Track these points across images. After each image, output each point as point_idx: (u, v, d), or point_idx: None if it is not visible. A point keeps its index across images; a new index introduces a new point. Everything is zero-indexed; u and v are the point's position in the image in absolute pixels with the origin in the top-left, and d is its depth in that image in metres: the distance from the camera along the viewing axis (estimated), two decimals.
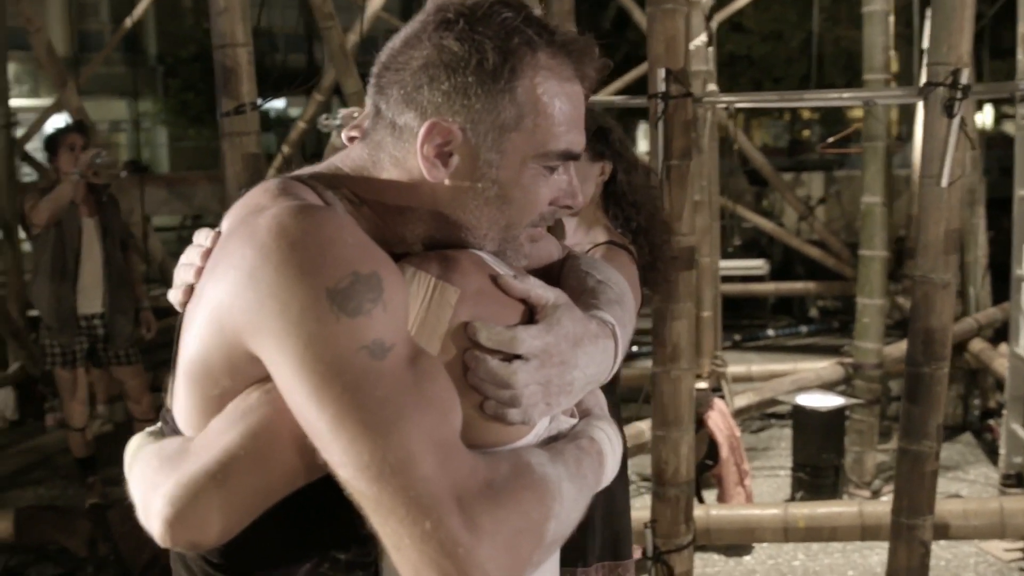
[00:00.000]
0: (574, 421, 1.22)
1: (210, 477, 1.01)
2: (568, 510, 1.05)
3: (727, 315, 9.69)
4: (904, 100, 3.29)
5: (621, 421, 2.59)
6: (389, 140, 1.13)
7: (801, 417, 4.87)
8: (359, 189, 1.15)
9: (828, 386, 5.33)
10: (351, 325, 0.95)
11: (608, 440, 1.20)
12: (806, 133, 22.61)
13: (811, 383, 5.34)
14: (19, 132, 7.13)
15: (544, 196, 1.17)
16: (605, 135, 2.45)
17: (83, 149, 4.65)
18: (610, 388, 2.48)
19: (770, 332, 9.20)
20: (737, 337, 8.89)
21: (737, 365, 6.70)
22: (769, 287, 9.52)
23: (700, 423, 4.63)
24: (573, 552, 2.45)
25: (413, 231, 1.15)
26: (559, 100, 1.13)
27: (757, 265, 9.47)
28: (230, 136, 3.39)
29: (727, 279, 9.39)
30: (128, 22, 7.33)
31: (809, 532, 3.78)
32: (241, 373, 1.02)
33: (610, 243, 2.44)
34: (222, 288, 1.00)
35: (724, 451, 4.51)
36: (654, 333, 3.32)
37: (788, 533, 3.80)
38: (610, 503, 2.50)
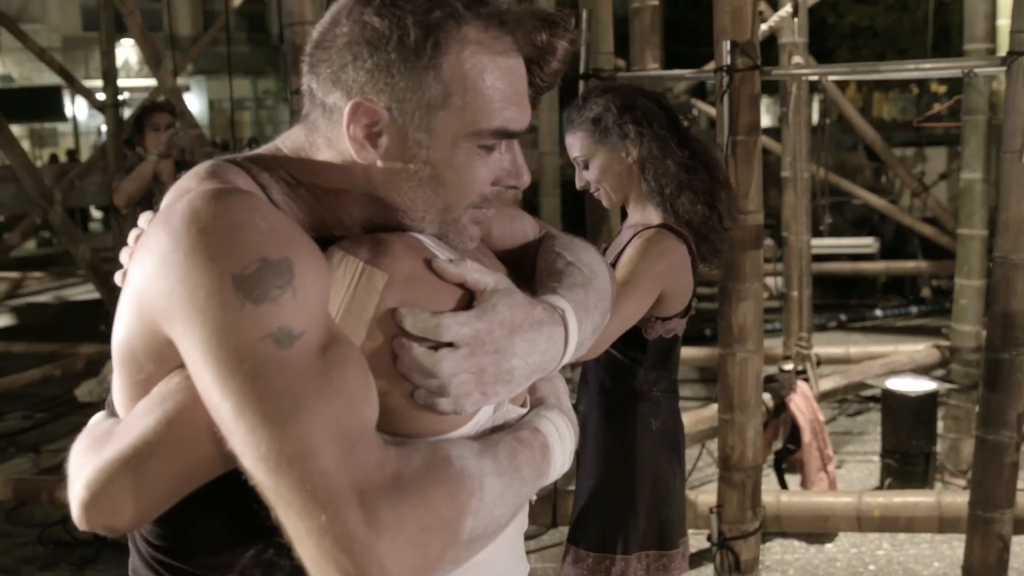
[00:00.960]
0: (523, 411, 1.18)
1: (124, 462, 1.01)
2: (491, 506, 1.00)
3: (834, 294, 9.47)
4: (988, 70, 3.11)
5: (677, 402, 2.53)
6: (322, 121, 1.10)
7: (891, 402, 4.68)
8: (296, 171, 1.13)
9: (923, 370, 5.11)
10: (256, 312, 0.93)
11: (556, 432, 1.16)
12: (937, 106, 21.79)
13: (904, 366, 5.12)
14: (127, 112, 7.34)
15: (482, 176, 1.12)
16: (627, 113, 2.39)
17: (167, 128, 4.74)
18: (664, 365, 2.44)
19: (878, 312, 8.90)
20: (843, 317, 8.62)
21: (836, 346, 6.50)
22: (879, 266, 9.20)
23: (782, 406, 4.50)
24: (612, 538, 2.40)
25: (351, 214, 1.13)
26: (490, 75, 1.08)
27: (866, 243, 9.17)
28: (299, 114, 3.42)
29: (834, 257, 9.15)
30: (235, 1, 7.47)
31: (884, 522, 3.63)
32: (163, 358, 1.01)
33: (660, 227, 2.37)
34: (141, 273, 0.99)
35: (806, 436, 4.38)
36: (719, 314, 3.24)
37: (862, 522, 3.66)
38: (658, 490, 2.43)
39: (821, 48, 16.59)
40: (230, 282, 0.93)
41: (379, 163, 1.09)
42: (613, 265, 2.37)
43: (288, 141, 1.15)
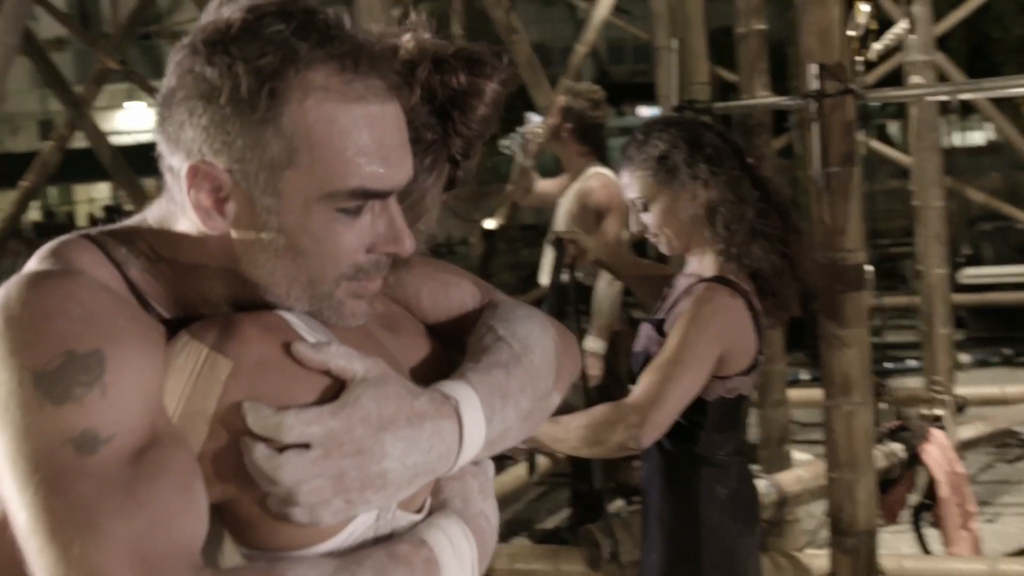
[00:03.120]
0: (417, 518, 1.00)
1: None
2: None
3: (999, 327, 8.81)
4: None
5: (748, 466, 2.28)
6: (174, 187, 0.96)
7: None
8: (157, 244, 0.99)
9: None
10: (56, 413, 0.82)
11: (450, 544, 0.98)
12: None
13: None
14: None
15: (348, 244, 0.95)
16: (699, 151, 2.15)
17: None
18: (730, 427, 2.19)
19: None
20: (1007, 352, 8.00)
21: (992, 385, 5.98)
22: None
23: (915, 458, 4.12)
24: None
25: (212, 290, 0.98)
26: (343, 126, 0.92)
27: None
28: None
29: (996, 287, 8.53)
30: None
31: None
32: None
33: (713, 279, 2.14)
34: None
35: (943, 490, 3.98)
36: (821, 364, 2.95)
37: None
38: (728, 563, 2.19)
39: (986, 64, 15.78)
40: (30, 379, 0.82)
41: (232, 233, 0.94)
42: (663, 320, 2.16)
43: (154, 210, 1.01)
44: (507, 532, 4.54)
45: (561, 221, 4.04)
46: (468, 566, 0.99)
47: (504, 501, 4.48)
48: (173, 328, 0.94)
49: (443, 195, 1.18)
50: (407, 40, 1.12)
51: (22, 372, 0.83)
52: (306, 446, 0.87)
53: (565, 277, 2.87)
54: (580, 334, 3.21)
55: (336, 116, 0.92)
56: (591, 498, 3.95)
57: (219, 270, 0.96)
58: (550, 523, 4.63)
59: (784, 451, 4.25)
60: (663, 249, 2.25)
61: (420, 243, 1.13)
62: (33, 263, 0.95)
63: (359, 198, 0.94)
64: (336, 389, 0.91)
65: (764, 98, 3.52)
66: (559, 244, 2.65)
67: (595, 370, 3.89)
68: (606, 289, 3.93)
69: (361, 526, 0.94)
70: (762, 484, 3.66)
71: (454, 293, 1.18)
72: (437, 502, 1.03)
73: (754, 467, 4.86)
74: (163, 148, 0.95)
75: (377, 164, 0.94)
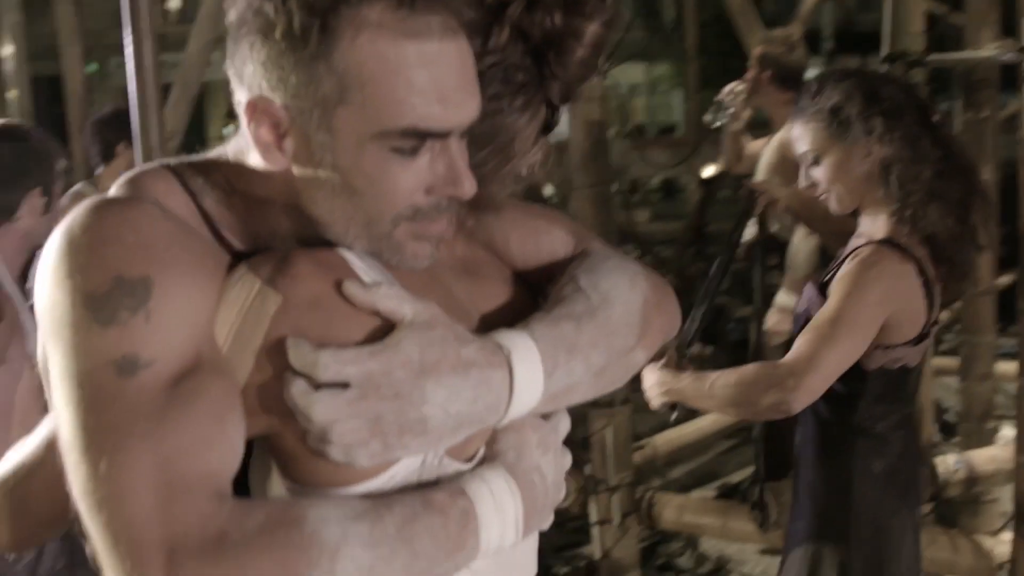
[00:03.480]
0: (466, 467, 1.00)
1: (1, 484, 0.99)
2: None
3: None
4: None
5: (913, 441, 2.17)
6: (242, 122, 0.98)
7: None
8: (233, 176, 1.01)
9: None
10: (101, 335, 0.86)
11: (491, 496, 0.97)
12: None
13: None
14: None
15: (404, 184, 0.94)
16: (875, 104, 2.02)
17: None
18: (893, 398, 2.07)
19: None
20: None
21: None
22: None
23: None
24: None
25: (280, 225, 1.00)
26: (396, 64, 0.91)
27: None
28: (574, 102, 3.31)
29: None
30: None
31: None
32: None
33: (882, 242, 2.02)
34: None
35: None
36: (1018, 334, 2.75)
37: None
38: (879, 543, 2.09)
39: None
40: (81, 301, 0.87)
41: (293, 169, 0.96)
42: (828, 282, 2.06)
43: (232, 144, 1.04)
44: (689, 484, 4.51)
45: (761, 172, 3.91)
46: (511, 521, 0.97)
47: (688, 452, 4.43)
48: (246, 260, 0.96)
49: (540, 138, 1.12)
50: None
51: (75, 294, 0.87)
52: (345, 386, 0.88)
53: (751, 230, 2.79)
54: (765, 290, 3.10)
55: (388, 53, 0.90)
56: (778, 456, 3.85)
57: (284, 206, 0.98)
58: (735, 477, 4.55)
59: (986, 427, 4.01)
60: (833, 207, 2.14)
61: (509, 185, 1.11)
62: (112, 189, 1.00)
63: (413, 138, 0.93)
64: (385, 331, 0.92)
65: (983, 50, 3.25)
66: (750, 194, 2.58)
67: (784, 325, 3.76)
68: (801, 243, 3.78)
69: (404, 470, 0.94)
70: (951, 460, 3.47)
71: (544, 240, 1.16)
72: (490, 452, 1.02)
73: (952, 441, 4.64)
74: (232, 83, 0.97)
75: (432, 103, 0.92)
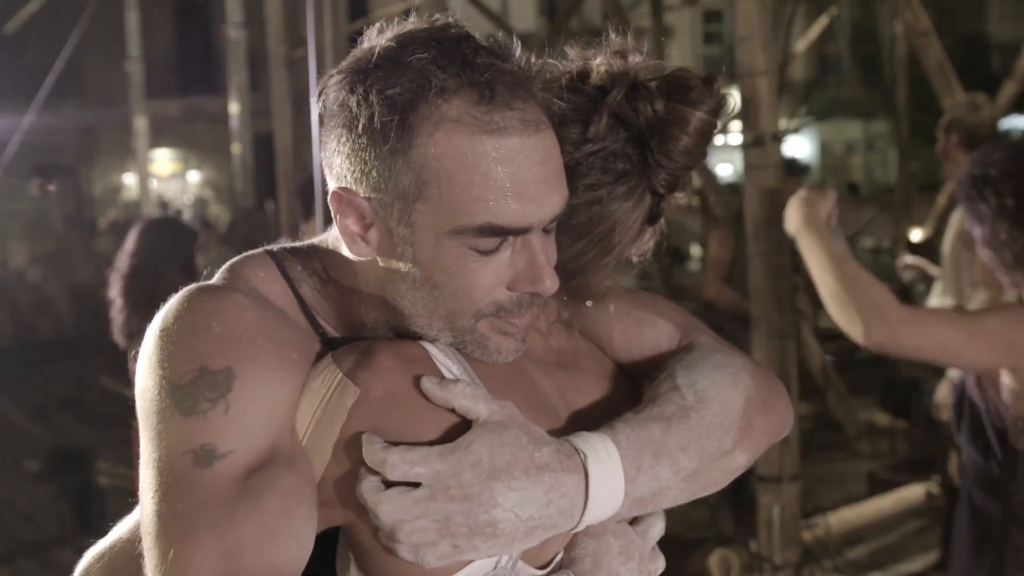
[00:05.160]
0: (539, 574, 0.98)
1: (97, 556, 1.04)
2: None
3: None
4: None
5: None
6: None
7: None
8: (329, 264, 1.05)
9: None
10: (182, 425, 0.90)
11: None
12: None
13: None
14: None
15: (484, 281, 0.95)
16: (983, 185, 1.93)
17: None
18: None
19: None
20: None
21: None
22: None
23: None
24: None
25: (368, 314, 1.02)
26: (473, 160, 0.91)
27: None
28: (750, 169, 3.28)
29: None
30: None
31: None
32: None
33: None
34: None
35: None
36: None
37: None
38: None
39: None
40: (167, 390, 0.91)
41: (378, 261, 0.98)
42: None
43: (332, 231, 1.06)
44: (865, 566, 4.28)
45: (947, 240, 3.73)
46: None
47: (869, 531, 4.24)
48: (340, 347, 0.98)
49: (645, 228, 1.08)
50: (599, 63, 1.05)
51: (162, 382, 0.91)
52: (416, 485, 0.88)
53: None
54: None
55: (465, 149, 0.90)
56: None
57: (372, 296, 1.00)
58: (917, 563, 4.30)
59: None
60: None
61: (608, 275, 1.08)
62: (215, 275, 1.04)
63: (490, 235, 0.92)
64: (461, 429, 0.91)
65: None
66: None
67: None
68: None
69: (476, 573, 0.93)
70: None
71: (648, 333, 1.12)
72: (567, 559, 0.99)
73: None
74: (324, 172, 1.00)
75: (509, 199, 0.91)
